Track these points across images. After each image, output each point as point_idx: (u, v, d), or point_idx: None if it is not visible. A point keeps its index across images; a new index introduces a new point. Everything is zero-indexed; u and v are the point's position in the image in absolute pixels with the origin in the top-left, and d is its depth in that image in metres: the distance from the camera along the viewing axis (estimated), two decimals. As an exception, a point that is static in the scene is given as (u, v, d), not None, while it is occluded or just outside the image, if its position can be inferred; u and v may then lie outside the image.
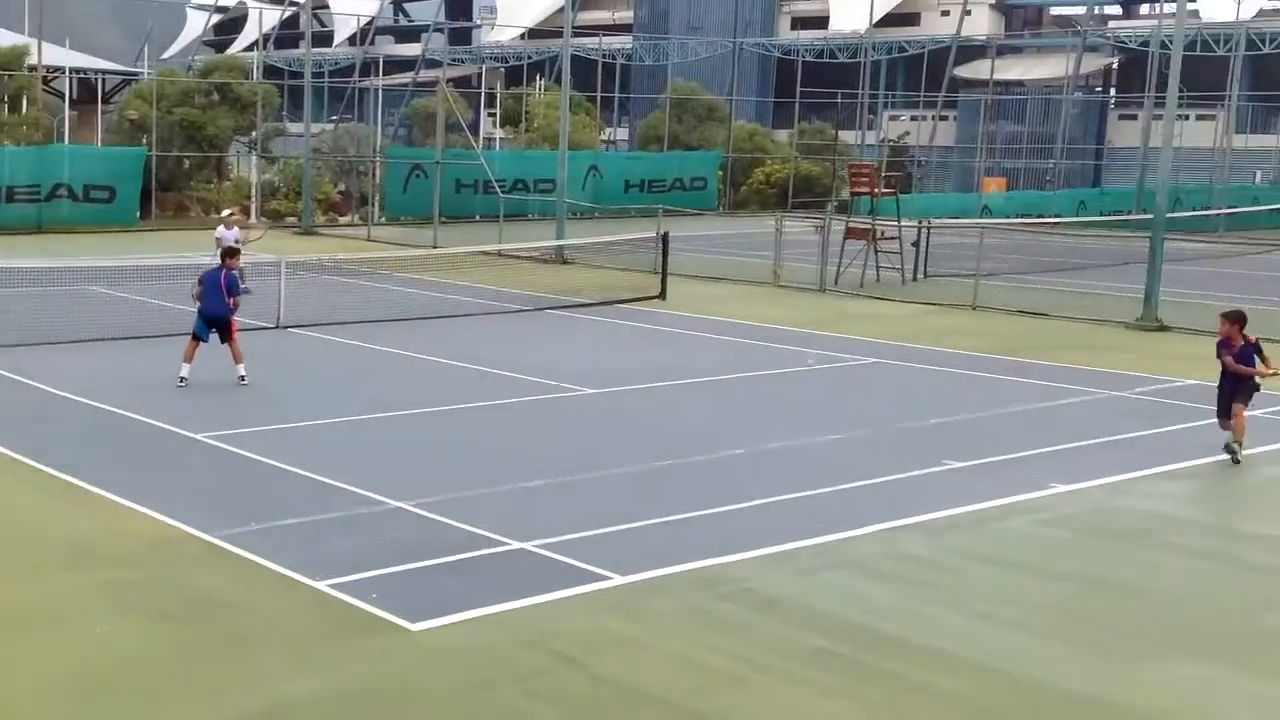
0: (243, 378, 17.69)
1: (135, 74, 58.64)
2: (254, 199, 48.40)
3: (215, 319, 17.83)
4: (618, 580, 10.42)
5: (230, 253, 18.56)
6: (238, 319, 18.28)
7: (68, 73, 50.83)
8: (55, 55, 51.25)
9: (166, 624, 9.51)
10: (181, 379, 17.48)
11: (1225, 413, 14.57)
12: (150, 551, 10.95)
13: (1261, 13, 72.56)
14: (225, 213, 30.33)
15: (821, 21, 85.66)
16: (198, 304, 17.99)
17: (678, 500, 12.72)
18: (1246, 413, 14.53)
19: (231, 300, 17.82)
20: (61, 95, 51.18)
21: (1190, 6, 59.34)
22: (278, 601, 9.89)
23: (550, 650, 9.07)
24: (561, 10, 42.96)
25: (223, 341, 17.89)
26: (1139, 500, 13.24)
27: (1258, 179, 65.26)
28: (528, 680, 8.66)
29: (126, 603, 9.89)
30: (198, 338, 17.80)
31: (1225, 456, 14.43)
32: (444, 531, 11.55)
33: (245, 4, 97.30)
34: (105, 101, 52.54)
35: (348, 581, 10.19)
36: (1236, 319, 14.70)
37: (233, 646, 9.09)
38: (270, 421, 15.71)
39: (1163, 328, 24.52)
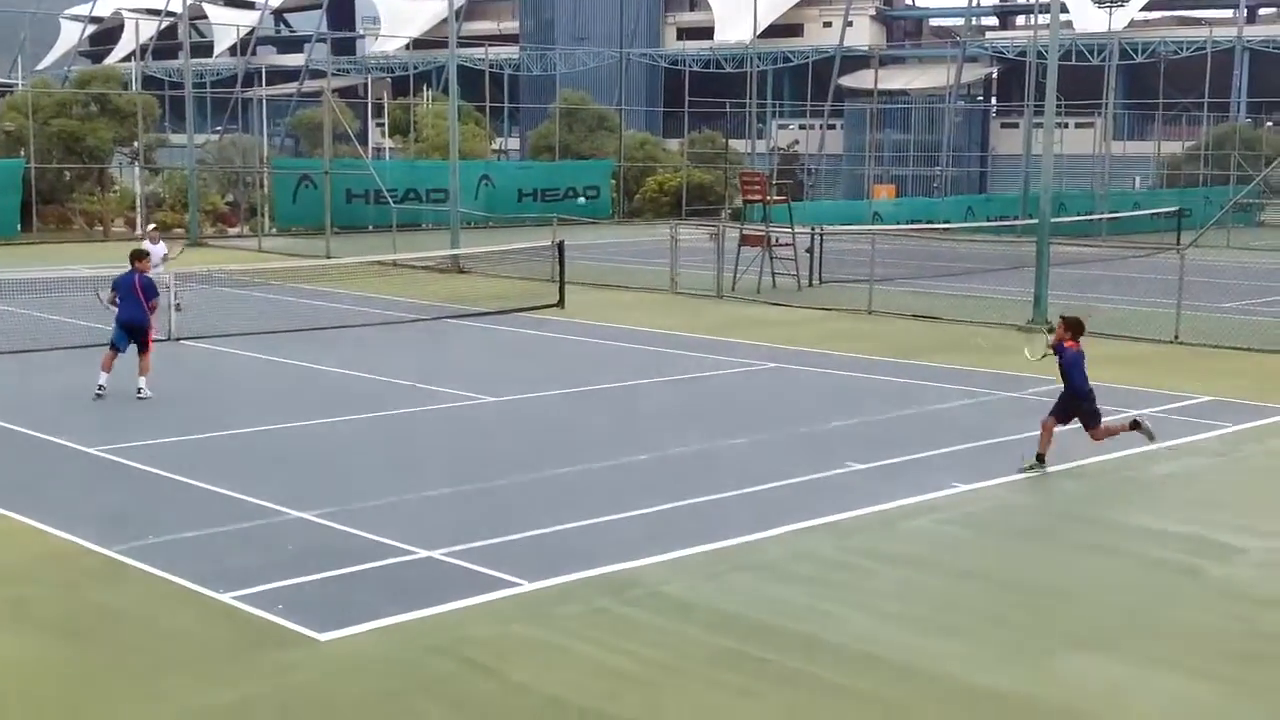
0: (141, 390, 17.19)
1: (9, 86, 57.30)
2: (139, 211, 47.48)
3: (134, 325, 17.18)
4: (526, 586, 10.34)
5: (138, 255, 17.76)
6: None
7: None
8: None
9: (66, 640, 9.26)
10: (100, 388, 16.97)
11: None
12: (46, 567, 10.65)
13: (1133, 23, 74.59)
14: (150, 228, 28.95)
15: (706, 32, 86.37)
16: (113, 310, 17.39)
17: (583, 506, 12.67)
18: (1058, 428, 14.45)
19: (149, 304, 17.26)
20: (-67, 108, 49.85)
21: (1064, 18, 60.85)
22: (181, 615, 9.67)
23: (461, 658, 8.98)
24: (446, 21, 42.71)
25: (140, 352, 17.28)
26: (1038, 498, 13.46)
27: (1136, 184, 66.94)
28: (439, 689, 8.55)
29: (23, 618, 9.62)
30: (115, 348, 17.20)
31: (1131, 451, 14.62)
32: (349, 541, 11.39)
33: (121, 15, 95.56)
34: (-21, 114, 51.21)
35: (252, 593, 10.00)
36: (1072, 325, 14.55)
37: (136, 661, 8.87)
38: (165, 434, 15.37)
39: (1052, 329, 24.85)
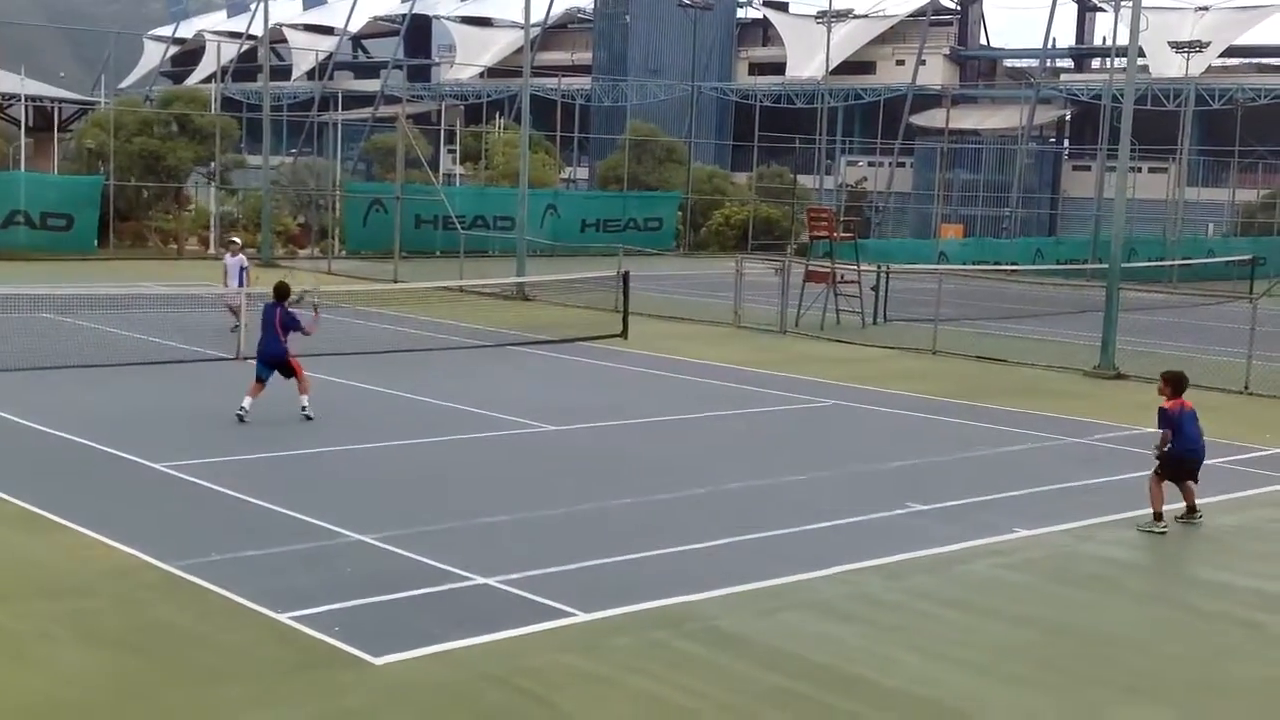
0: (305, 408, 17.43)
1: (92, 103, 58.33)
2: (213, 230, 48.18)
3: (272, 358, 17.38)
4: (581, 617, 10.35)
5: (283, 292, 17.88)
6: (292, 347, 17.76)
7: (23, 100, 50.48)
8: (10, 83, 50.99)
9: (124, 654, 9.36)
10: (242, 409, 17.09)
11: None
12: (109, 581, 10.79)
13: (1210, 69, 73.86)
14: (235, 241, 28.48)
15: (778, 67, 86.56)
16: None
17: (640, 538, 12.67)
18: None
19: (304, 331, 17.49)
20: (17, 122, 50.82)
21: (1140, 61, 60.35)
22: (238, 633, 9.76)
23: (514, 686, 8.99)
24: (520, 50, 43.09)
25: (287, 378, 17.52)
26: (1100, 546, 13.30)
27: (1210, 231, 66.17)
28: (491, 717, 8.57)
29: (84, 631, 9.73)
30: (261, 380, 17.39)
31: (1196, 502, 14.31)
32: (407, 565, 11.46)
33: (203, 37, 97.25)
34: (61, 130, 52.18)
35: (310, 614, 10.07)
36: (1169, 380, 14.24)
37: (193, 678, 8.95)
38: (230, 453, 15.55)
39: (1120, 375, 24.73)
